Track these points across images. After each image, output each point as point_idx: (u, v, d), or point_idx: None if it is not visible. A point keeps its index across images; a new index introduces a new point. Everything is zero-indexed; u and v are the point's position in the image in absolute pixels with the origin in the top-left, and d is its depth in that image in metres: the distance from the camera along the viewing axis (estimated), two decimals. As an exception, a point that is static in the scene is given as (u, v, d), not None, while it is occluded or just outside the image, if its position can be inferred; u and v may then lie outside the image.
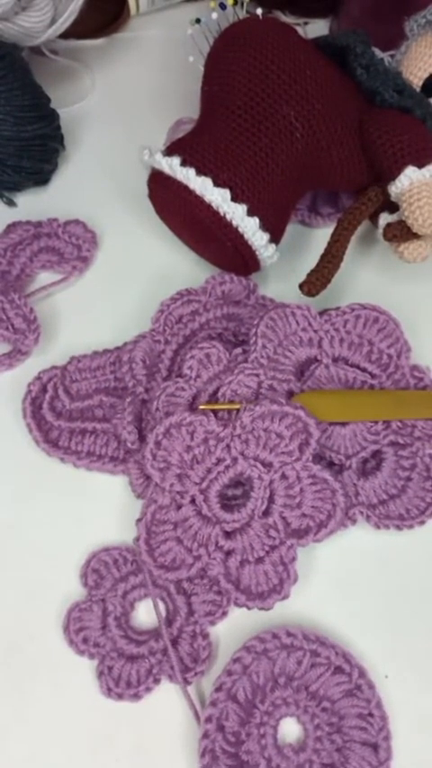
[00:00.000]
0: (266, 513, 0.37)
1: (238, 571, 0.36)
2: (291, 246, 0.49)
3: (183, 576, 0.36)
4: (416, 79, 0.47)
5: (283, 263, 0.47)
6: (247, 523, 0.37)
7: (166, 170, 0.42)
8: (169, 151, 0.43)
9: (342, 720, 0.34)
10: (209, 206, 0.41)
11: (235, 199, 0.41)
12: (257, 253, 0.43)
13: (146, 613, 0.38)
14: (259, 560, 0.37)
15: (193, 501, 0.37)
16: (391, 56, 0.49)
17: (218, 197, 0.41)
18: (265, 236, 0.43)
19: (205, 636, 0.36)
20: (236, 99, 0.43)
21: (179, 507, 0.37)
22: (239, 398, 0.39)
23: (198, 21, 0.50)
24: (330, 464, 0.40)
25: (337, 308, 0.42)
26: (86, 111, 0.56)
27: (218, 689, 0.35)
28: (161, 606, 0.37)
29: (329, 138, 0.44)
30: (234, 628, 0.37)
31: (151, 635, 0.37)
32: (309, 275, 0.42)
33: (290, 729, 0.35)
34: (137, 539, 0.37)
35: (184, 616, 0.37)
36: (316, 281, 0.42)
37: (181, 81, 0.56)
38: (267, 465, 0.37)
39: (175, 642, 0.36)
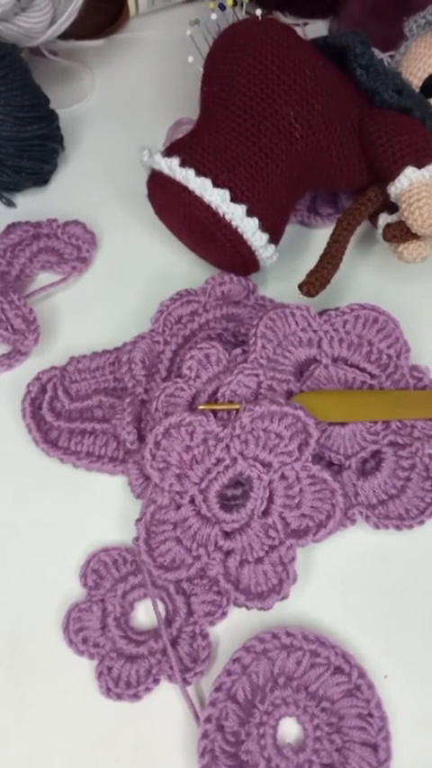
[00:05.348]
0: (266, 513, 0.37)
1: (238, 571, 0.36)
2: (290, 247, 0.49)
3: (182, 576, 0.36)
4: (415, 79, 0.47)
5: (283, 264, 0.47)
6: (246, 523, 0.37)
7: (166, 171, 0.42)
8: (169, 152, 0.43)
9: (341, 721, 0.34)
10: (208, 206, 0.41)
11: (234, 199, 0.41)
12: (257, 253, 0.43)
13: (145, 614, 0.38)
14: (259, 560, 0.37)
15: (192, 501, 0.37)
16: (391, 56, 0.50)
17: (217, 197, 0.41)
18: (265, 237, 0.43)
19: (205, 636, 0.36)
20: (235, 99, 0.43)
21: (178, 507, 0.37)
22: (239, 399, 0.39)
23: (197, 21, 0.50)
24: (330, 464, 0.40)
25: (337, 309, 0.42)
26: (86, 111, 0.56)
27: (217, 689, 0.35)
28: (160, 606, 0.37)
29: (329, 139, 0.44)
30: (233, 628, 0.37)
31: (151, 635, 0.37)
32: (308, 276, 0.42)
33: (289, 729, 0.35)
34: (136, 539, 0.37)
35: (184, 616, 0.37)
36: (315, 282, 0.42)
37: (180, 81, 0.56)
38: (267, 465, 0.37)
39: (174, 642, 0.36)
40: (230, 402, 0.39)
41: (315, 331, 0.41)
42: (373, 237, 0.48)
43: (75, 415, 0.42)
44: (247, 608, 0.36)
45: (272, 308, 0.41)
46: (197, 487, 0.37)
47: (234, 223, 0.41)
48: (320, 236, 0.49)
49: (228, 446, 0.37)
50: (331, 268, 0.43)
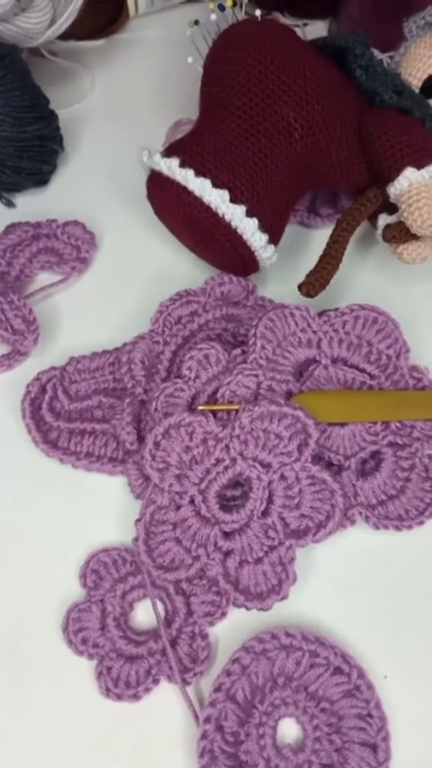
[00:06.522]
0: (265, 513, 0.37)
1: (237, 571, 0.36)
2: (290, 247, 0.49)
3: (182, 576, 0.36)
4: (415, 80, 0.48)
5: (283, 264, 0.47)
6: (245, 524, 0.37)
7: (165, 171, 0.42)
8: (168, 152, 0.43)
9: (341, 721, 0.34)
10: (208, 207, 0.41)
11: (234, 200, 0.41)
12: (256, 253, 0.43)
13: (145, 614, 0.38)
14: (258, 561, 0.37)
15: (191, 501, 0.37)
16: (391, 57, 0.49)
17: (217, 198, 0.41)
18: (264, 237, 0.43)
19: (204, 636, 0.36)
20: (235, 100, 0.43)
21: (178, 508, 0.37)
22: (238, 399, 0.39)
23: (197, 22, 0.50)
24: (329, 464, 0.40)
25: (336, 309, 0.42)
26: (86, 112, 0.56)
27: (217, 689, 0.35)
28: (160, 607, 0.37)
29: (328, 139, 0.44)
30: (233, 628, 0.37)
31: (150, 635, 0.37)
32: (308, 276, 0.42)
33: (289, 730, 0.35)
34: (136, 539, 0.37)
35: (183, 617, 0.37)
36: (315, 282, 0.42)
37: (180, 82, 0.56)
38: (266, 465, 0.37)
39: (173, 643, 0.36)
40: (230, 402, 0.39)
41: (315, 331, 0.41)
42: (373, 238, 0.48)
43: (74, 416, 0.42)
44: (247, 608, 0.36)
45: (271, 309, 0.41)
46: (197, 488, 0.37)
47: (233, 223, 0.42)
48: (320, 236, 0.49)
49: (227, 446, 0.37)
50: (331, 268, 0.43)
